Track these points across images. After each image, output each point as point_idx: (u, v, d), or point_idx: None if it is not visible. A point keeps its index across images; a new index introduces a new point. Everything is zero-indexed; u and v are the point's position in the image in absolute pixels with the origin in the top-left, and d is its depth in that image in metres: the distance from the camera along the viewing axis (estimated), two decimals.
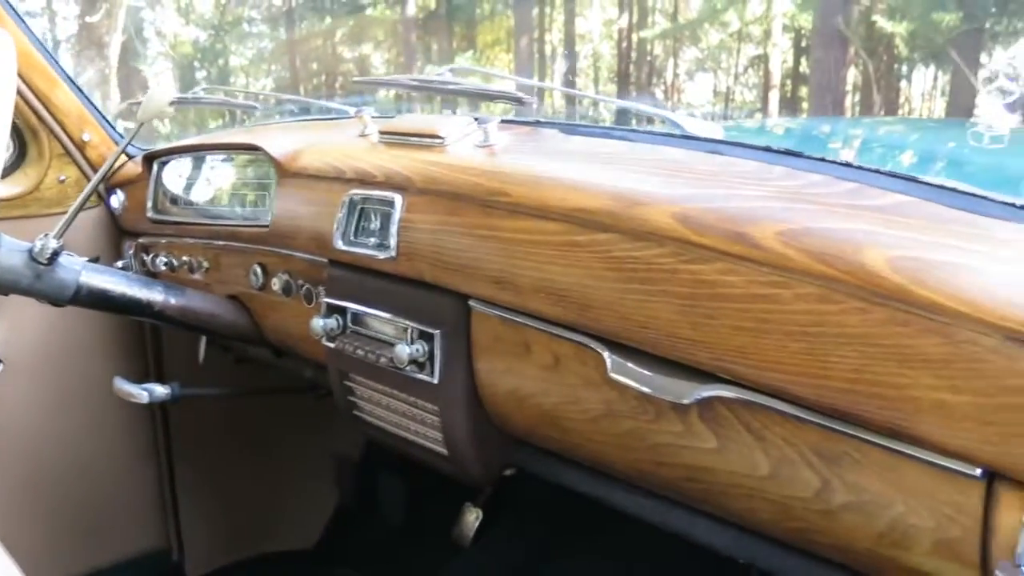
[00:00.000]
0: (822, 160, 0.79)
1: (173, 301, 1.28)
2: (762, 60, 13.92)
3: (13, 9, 1.40)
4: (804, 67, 13.26)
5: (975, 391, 0.59)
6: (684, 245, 0.74)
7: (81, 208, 1.24)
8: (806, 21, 12.73)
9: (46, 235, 1.14)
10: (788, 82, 13.89)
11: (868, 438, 0.66)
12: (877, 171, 0.75)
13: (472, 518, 1.62)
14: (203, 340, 1.62)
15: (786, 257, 0.68)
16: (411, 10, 14.96)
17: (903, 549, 0.67)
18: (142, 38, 12.74)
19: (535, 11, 14.68)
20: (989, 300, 0.59)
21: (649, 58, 15.17)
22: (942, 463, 0.62)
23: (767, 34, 13.50)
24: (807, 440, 0.70)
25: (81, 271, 1.18)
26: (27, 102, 1.48)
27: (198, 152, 1.44)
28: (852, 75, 11.36)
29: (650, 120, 1.17)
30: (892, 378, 0.62)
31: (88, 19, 7.93)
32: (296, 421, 1.83)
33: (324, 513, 1.92)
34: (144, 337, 1.68)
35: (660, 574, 1.41)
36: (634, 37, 15.13)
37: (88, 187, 1.30)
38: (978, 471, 0.61)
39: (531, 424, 0.95)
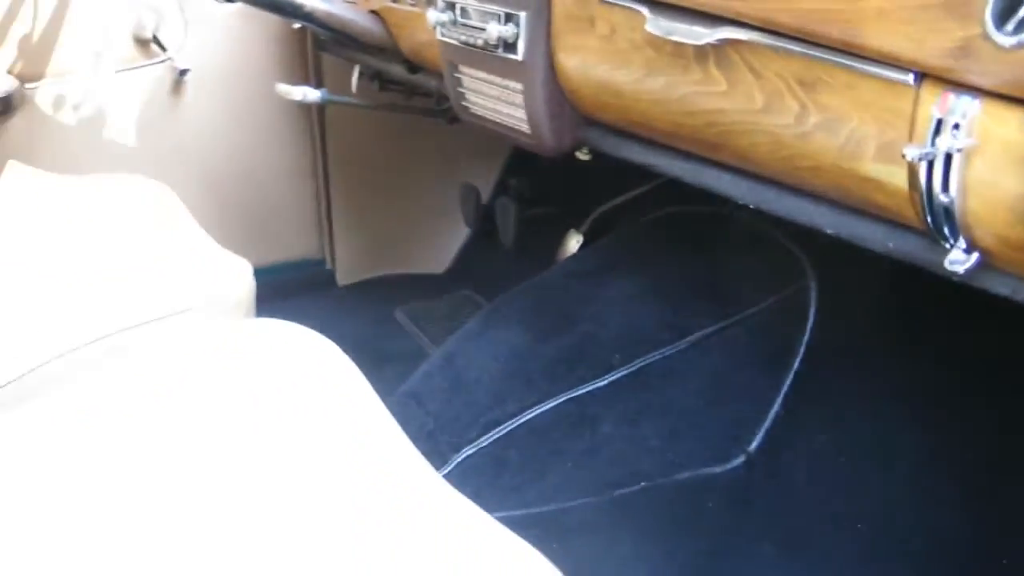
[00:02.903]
0: None
1: (322, 7, 1.50)
2: None
3: None
4: None
5: None
6: None
7: None
8: None
9: None
10: None
11: (834, 59, 0.79)
12: None
13: (574, 242, 1.82)
14: (356, 70, 1.85)
15: None
16: None
17: (856, 159, 0.80)
18: None
19: None
20: None
21: None
22: (885, 73, 0.75)
23: None
24: (792, 71, 0.83)
25: None
26: None
27: None
28: None
29: None
30: None
31: None
32: (435, 154, 2.06)
33: (455, 241, 2.17)
34: (307, 62, 1.92)
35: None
36: None
37: None
38: (910, 76, 0.73)
39: (594, 94, 1.12)
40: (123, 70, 1.77)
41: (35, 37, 1.71)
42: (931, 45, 0.69)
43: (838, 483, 1.36)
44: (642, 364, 1.39)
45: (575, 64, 1.12)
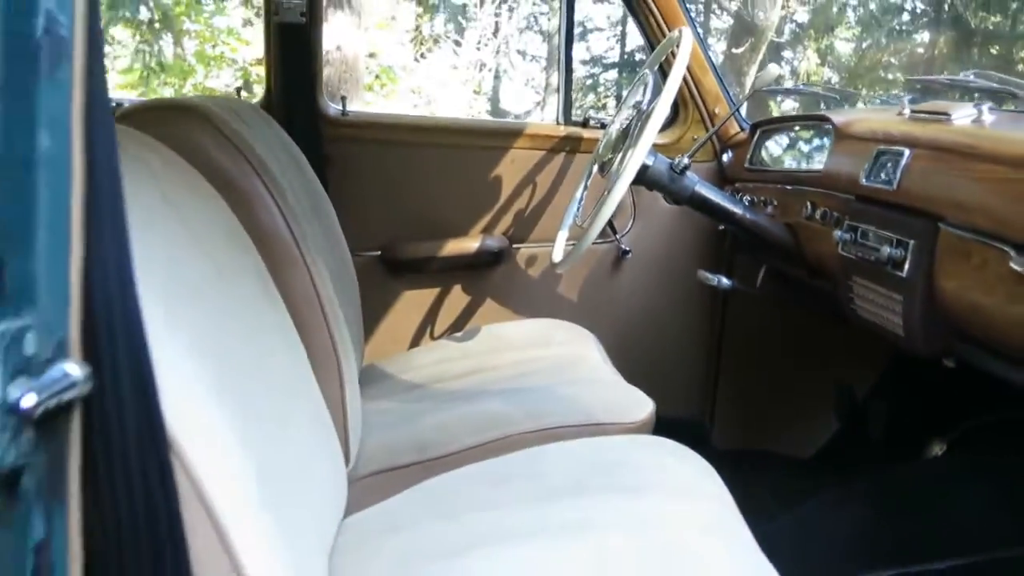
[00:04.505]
0: None
1: (748, 216, 1.90)
2: None
3: (689, 15, 2.14)
4: None
5: None
6: None
7: (701, 147, 1.93)
8: None
9: (683, 155, 1.82)
10: None
11: None
12: None
13: (937, 448, 1.98)
14: (763, 269, 2.21)
15: None
16: None
17: None
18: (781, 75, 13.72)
19: None
20: None
21: None
22: None
23: None
24: None
25: (697, 182, 1.85)
26: (686, 81, 2.21)
27: (786, 122, 2.04)
28: None
29: None
30: None
31: (734, 50, 9.10)
32: (818, 350, 2.32)
33: (825, 431, 2.38)
34: (723, 256, 2.32)
35: None
36: None
37: (705, 136, 2.00)
38: None
39: (964, 312, 1.36)
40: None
41: (527, 211, 2.29)
42: None
43: None
44: (978, 560, 1.52)
45: (951, 286, 1.38)
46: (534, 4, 12.44)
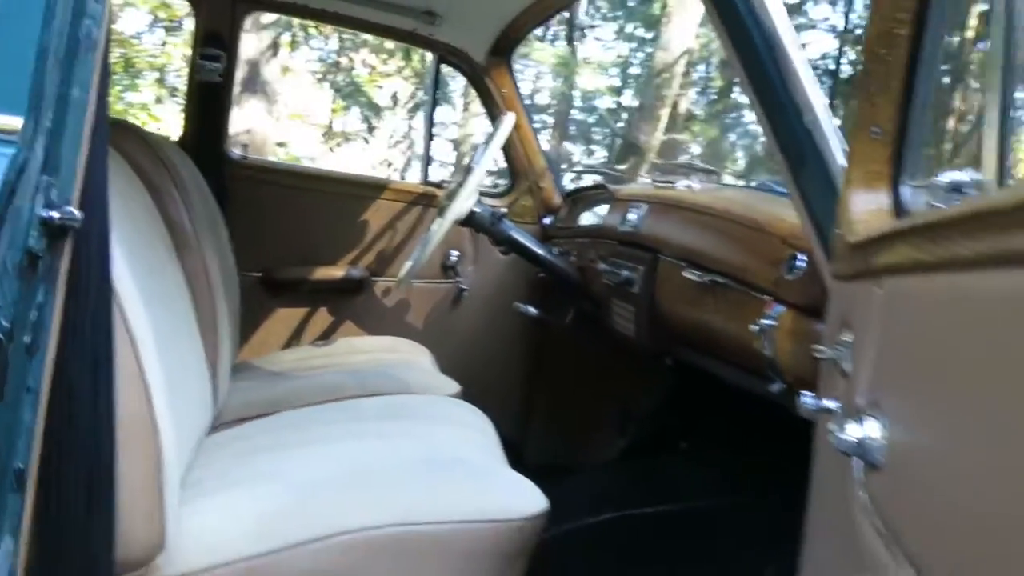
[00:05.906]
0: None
1: (549, 258, 2.49)
2: None
3: (522, 102, 2.77)
4: None
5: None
6: (759, 233, 1.73)
7: (516, 199, 2.54)
8: None
9: (501, 208, 2.41)
10: None
11: (749, 291, 1.58)
12: None
13: (683, 445, 2.55)
14: (572, 310, 2.78)
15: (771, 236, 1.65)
16: None
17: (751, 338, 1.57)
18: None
19: None
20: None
21: None
22: (762, 297, 1.54)
23: None
24: (735, 298, 1.63)
25: (512, 228, 2.43)
26: (520, 158, 2.82)
27: (587, 191, 2.67)
28: None
29: None
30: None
31: (618, 167, 10.07)
32: (614, 375, 2.86)
33: (617, 443, 2.91)
34: (546, 295, 2.89)
35: None
36: None
37: (521, 188, 2.61)
38: (766, 296, 1.51)
39: (672, 319, 1.94)
40: (427, 281, 2.85)
41: (387, 251, 2.83)
42: (768, 279, 1.49)
43: None
44: (682, 506, 2.08)
45: (664, 299, 1.97)
46: (450, 108, 13.22)
